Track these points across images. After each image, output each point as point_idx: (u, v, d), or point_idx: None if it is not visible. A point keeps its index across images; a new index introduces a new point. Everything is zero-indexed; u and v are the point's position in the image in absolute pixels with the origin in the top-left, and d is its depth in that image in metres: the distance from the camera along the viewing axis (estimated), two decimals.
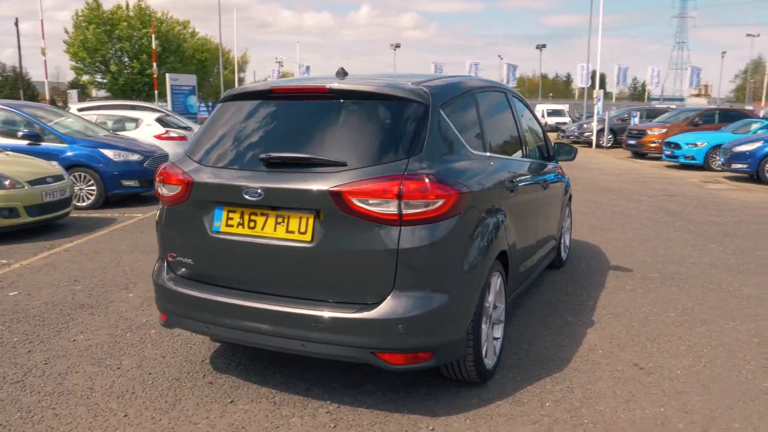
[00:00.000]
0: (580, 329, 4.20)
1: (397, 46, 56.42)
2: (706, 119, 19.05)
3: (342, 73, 3.34)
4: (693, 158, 15.78)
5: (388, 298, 2.78)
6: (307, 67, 50.54)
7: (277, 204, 2.89)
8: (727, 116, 19.21)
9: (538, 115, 44.82)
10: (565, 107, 47.67)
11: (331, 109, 3.06)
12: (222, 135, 3.25)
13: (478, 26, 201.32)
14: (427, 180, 2.76)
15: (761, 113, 22.80)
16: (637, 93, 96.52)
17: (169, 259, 3.28)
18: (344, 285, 2.84)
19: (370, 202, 2.74)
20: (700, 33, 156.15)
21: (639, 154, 20.31)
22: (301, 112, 3.11)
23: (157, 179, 3.28)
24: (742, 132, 15.92)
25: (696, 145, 15.82)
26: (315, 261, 2.84)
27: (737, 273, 5.69)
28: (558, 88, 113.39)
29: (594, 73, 31.61)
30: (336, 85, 3.08)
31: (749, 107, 36.90)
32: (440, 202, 2.77)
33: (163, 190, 3.24)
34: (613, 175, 14.46)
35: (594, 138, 24.76)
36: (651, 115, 24.26)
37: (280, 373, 3.45)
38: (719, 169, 14.98)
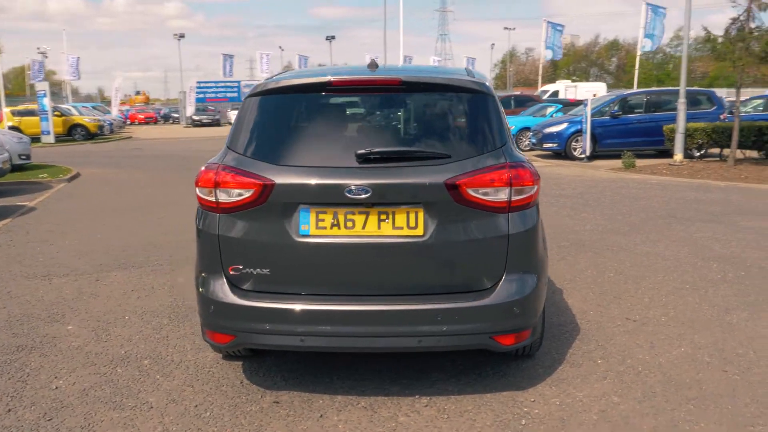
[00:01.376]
0: (558, 297, 4.68)
1: (182, 36, 53.32)
2: (503, 105, 21.42)
3: (374, 65, 3.31)
4: None
5: (502, 282, 2.89)
6: (77, 59, 44.73)
7: (384, 200, 2.80)
8: (519, 102, 21.91)
9: None
10: None
11: (406, 101, 3.03)
12: (286, 131, 3.03)
13: (247, 16, 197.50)
14: (528, 168, 2.92)
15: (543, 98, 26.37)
16: None
17: (231, 272, 2.96)
18: (457, 275, 2.89)
19: (482, 191, 2.82)
20: (463, 26, 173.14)
21: None
22: (372, 104, 3.04)
23: (206, 183, 2.93)
24: (540, 115, 18.34)
25: None
26: (427, 254, 2.83)
27: (624, 235, 6.73)
28: None
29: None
30: (407, 76, 3.06)
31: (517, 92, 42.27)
32: (536, 188, 2.95)
33: (222, 196, 2.91)
34: None
35: None
36: None
37: (338, 379, 3.33)
38: (528, 148, 17.11)
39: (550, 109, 18.52)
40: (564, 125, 15.10)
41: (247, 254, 2.92)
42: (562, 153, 15.10)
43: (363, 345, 2.93)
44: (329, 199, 2.83)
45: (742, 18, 11.22)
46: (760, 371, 3.37)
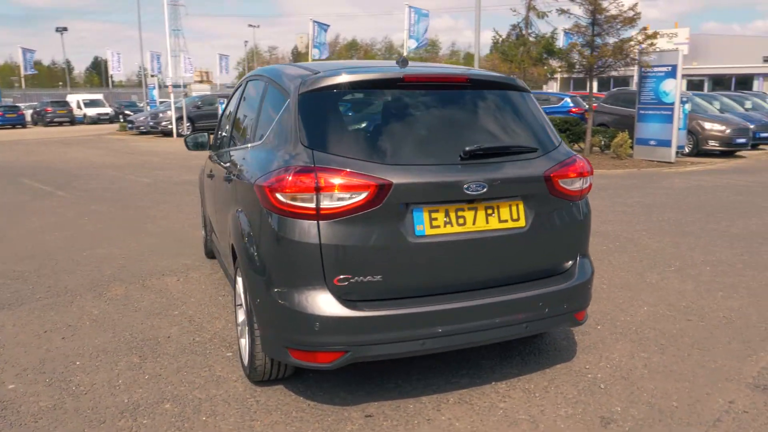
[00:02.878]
0: None
1: None
2: None
3: (404, 61, 3.33)
4: None
5: (578, 264, 3.17)
6: None
7: (492, 195, 2.84)
8: None
9: (73, 106, 40.75)
10: (100, 96, 45.11)
11: (473, 99, 3.10)
12: (372, 128, 2.88)
13: None
14: (586, 159, 3.23)
15: None
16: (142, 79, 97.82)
17: (337, 284, 2.72)
18: (549, 260, 3.08)
19: (568, 182, 3.05)
20: (199, 22, 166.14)
21: None
22: (443, 101, 3.04)
23: (301, 189, 2.65)
24: None
25: None
26: (527, 244, 2.97)
27: None
28: (57, 75, 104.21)
29: (97, 59, 30.92)
30: (472, 75, 3.13)
31: None
32: (591, 178, 3.28)
33: (325, 202, 2.65)
34: None
35: (174, 127, 24.71)
36: None
37: (403, 382, 3.28)
38: None
39: None
40: None
41: (357, 262, 2.72)
42: None
43: (479, 339, 2.95)
44: (444, 197, 2.79)
45: (521, 24, 13.13)
46: (708, 315, 4.23)
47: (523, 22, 13.21)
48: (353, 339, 2.72)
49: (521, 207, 2.95)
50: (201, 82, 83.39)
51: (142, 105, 40.30)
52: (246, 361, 3.28)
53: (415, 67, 3.23)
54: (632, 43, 12.79)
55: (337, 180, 2.65)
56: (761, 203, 8.72)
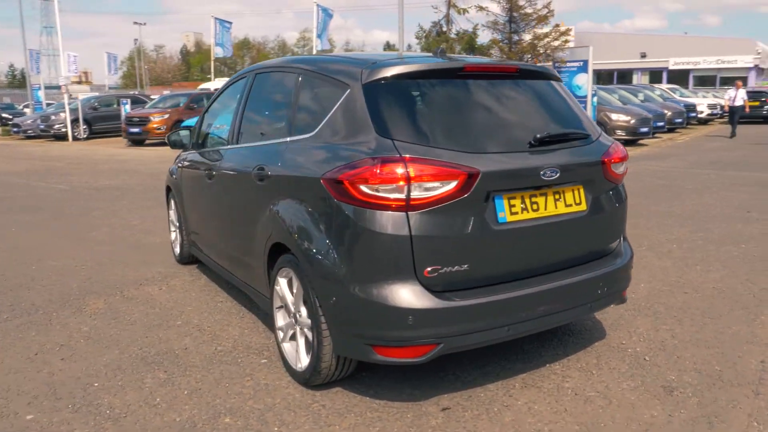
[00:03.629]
0: None
1: None
2: (197, 102, 20.66)
3: (443, 52, 3.33)
4: None
5: (621, 244, 3.30)
6: None
7: (563, 180, 2.89)
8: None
9: None
10: None
11: (525, 88, 3.13)
12: (443, 116, 2.82)
13: None
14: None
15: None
16: (17, 81, 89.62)
17: (427, 275, 2.64)
18: (603, 242, 3.18)
19: (617, 166, 3.16)
20: (77, 19, 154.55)
21: (138, 141, 20.32)
22: (502, 90, 3.05)
23: (391, 180, 2.56)
24: None
25: None
26: (588, 227, 3.04)
27: None
28: None
29: None
30: (519, 65, 3.16)
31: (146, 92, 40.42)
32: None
33: (416, 192, 2.58)
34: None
35: (69, 130, 22.93)
36: (135, 102, 24.19)
37: (458, 370, 3.26)
38: None
39: None
40: None
41: (445, 252, 2.66)
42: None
43: (555, 321, 2.99)
44: (522, 183, 2.80)
45: (441, 22, 13.43)
46: (700, 287, 4.55)
47: (444, 19, 13.53)
48: (445, 330, 2.66)
49: (582, 191, 3.02)
50: (79, 82, 77.70)
51: (21, 107, 37.05)
52: (300, 364, 3.12)
53: (464, 58, 3.21)
54: (547, 39, 13.44)
55: (428, 169, 2.58)
56: (685, 185, 9.50)
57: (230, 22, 27.53)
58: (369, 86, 2.84)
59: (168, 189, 5.69)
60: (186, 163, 4.95)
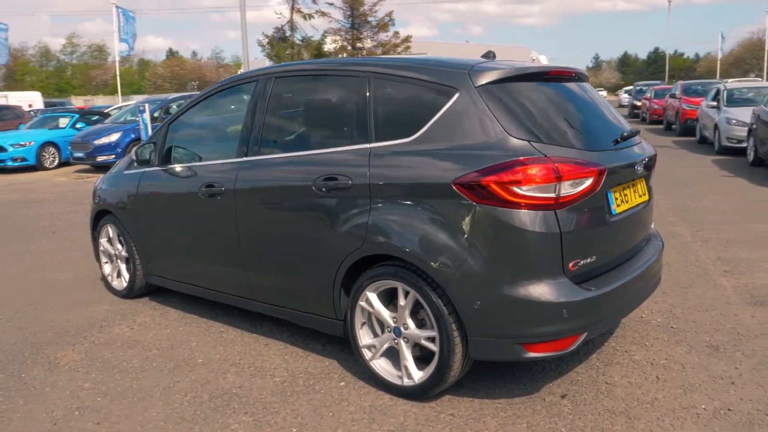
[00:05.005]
0: None
1: None
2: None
3: (493, 55, 3.50)
4: (24, 159, 14.94)
5: (653, 226, 3.74)
6: None
7: (640, 174, 3.20)
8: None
9: None
10: None
11: (583, 89, 3.40)
12: (549, 116, 2.96)
13: None
14: None
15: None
16: None
17: (572, 269, 2.76)
18: (650, 227, 3.56)
19: (655, 160, 3.58)
20: None
21: None
22: (574, 92, 3.27)
23: (545, 179, 2.64)
24: (53, 127, 16.20)
25: (23, 144, 15.00)
26: (647, 214, 3.40)
27: None
28: None
29: None
30: (575, 69, 3.42)
31: None
32: None
33: (565, 189, 2.68)
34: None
35: None
36: None
37: (538, 367, 3.43)
38: (52, 166, 15.19)
39: (66, 120, 16.53)
40: (118, 134, 14.04)
41: (582, 246, 2.81)
42: None
43: (641, 300, 3.28)
44: (624, 178, 3.06)
45: (285, 27, 13.26)
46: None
47: (288, 25, 13.41)
48: (589, 319, 2.81)
49: (644, 183, 3.38)
50: None
51: None
52: (409, 379, 3.02)
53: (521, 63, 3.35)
54: (389, 46, 14.09)
55: (572, 168, 2.71)
56: None
57: (133, 13, 23.24)
58: (482, 89, 2.87)
59: (99, 214, 4.92)
60: (149, 183, 4.35)
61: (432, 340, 2.94)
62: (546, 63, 54.31)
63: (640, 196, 3.30)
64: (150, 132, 13.60)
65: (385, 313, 3.09)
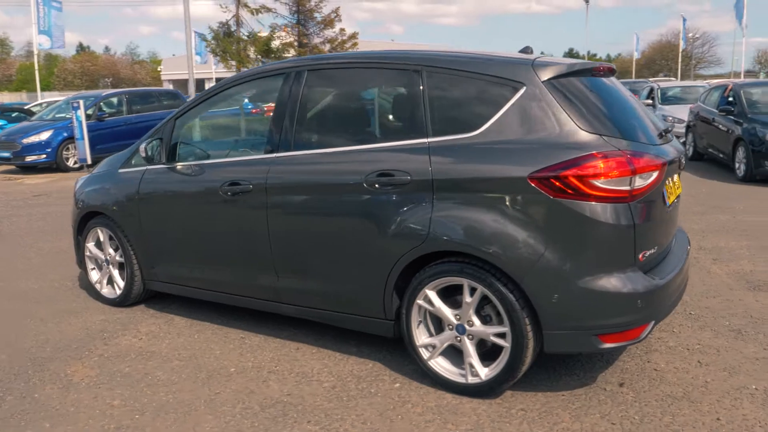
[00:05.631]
0: None
1: None
2: None
3: (530, 50, 3.53)
4: None
5: None
6: None
7: (678, 167, 3.29)
8: None
9: None
10: None
11: (618, 85, 3.46)
12: (612, 110, 3.00)
13: None
14: None
15: None
16: None
17: (641, 260, 2.81)
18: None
19: None
20: None
21: None
22: (614, 88, 3.33)
23: (622, 172, 2.67)
24: None
25: None
26: (679, 204, 3.52)
27: None
28: None
29: None
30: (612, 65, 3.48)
31: None
32: None
33: (637, 182, 2.72)
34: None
35: None
36: None
37: (583, 357, 3.48)
38: None
39: None
40: (50, 132, 13.09)
41: (649, 237, 2.87)
42: (54, 165, 13.15)
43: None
44: (673, 171, 3.15)
45: (230, 22, 12.83)
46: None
47: (234, 20, 12.98)
48: (657, 308, 2.87)
49: (679, 176, 3.48)
50: None
51: None
52: (474, 376, 3.00)
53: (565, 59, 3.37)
54: (337, 42, 13.94)
55: (643, 161, 2.75)
56: None
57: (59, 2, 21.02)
58: (548, 84, 2.87)
59: (86, 217, 4.55)
60: (154, 182, 4.06)
61: (500, 336, 2.91)
62: None
63: (678, 188, 3.41)
64: (85, 130, 12.81)
65: (447, 311, 3.03)
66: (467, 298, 2.96)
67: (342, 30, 14.16)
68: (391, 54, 3.35)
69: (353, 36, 13.99)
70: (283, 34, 13.44)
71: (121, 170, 4.36)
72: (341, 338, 3.75)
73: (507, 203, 2.81)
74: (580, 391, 3.08)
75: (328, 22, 13.83)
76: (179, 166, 3.95)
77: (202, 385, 3.28)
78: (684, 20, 26.60)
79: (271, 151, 3.53)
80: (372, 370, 3.36)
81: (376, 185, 3.10)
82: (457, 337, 3.03)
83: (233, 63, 12.79)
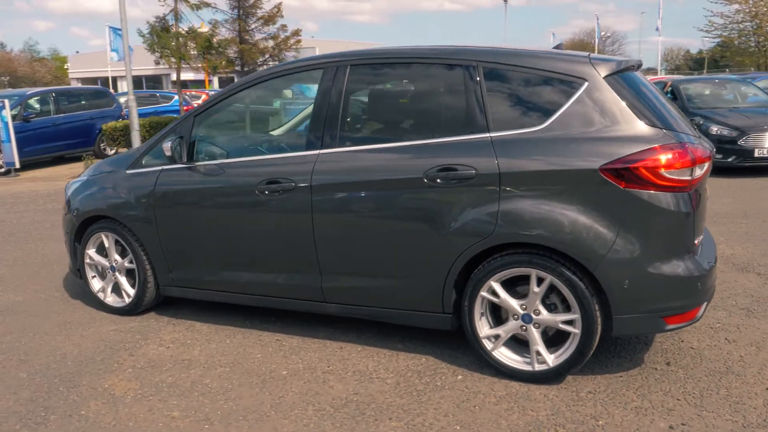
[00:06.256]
0: None
1: None
2: None
3: (562, 46, 3.69)
4: None
5: None
6: None
7: None
8: None
9: None
10: None
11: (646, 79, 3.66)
12: (658, 104, 3.14)
13: None
14: None
15: None
16: None
17: (696, 245, 3.01)
18: None
19: None
20: None
21: None
22: (649, 83, 3.52)
23: (685, 163, 2.84)
24: None
25: None
26: None
27: None
28: None
29: None
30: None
31: None
32: None
33: (696, 171, 2.91)
34: None
35: None
36: None
37: (622, 340, 3.66)
38: None
39: None
40: None
41: (699, 223, 3.06)
42: None
43: None
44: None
45: (168, 17, 12.29)
46: None
47: (172, 14, 12.44)
48: (710, 290, 3.08)
49: None
50: None
51: None
52: (541, 364, 3.10)
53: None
54: (280, 40, 13.72)
55: (699, 152, 2.93)
56: None
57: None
58: (609, 80, 3.00)
59: (86, 222, 4.28)
60: (174, 182, 3.88)
61: (569, 323, 3.02)
62: None
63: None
64: (12, 131, 11.93)
65: (513, 302, 3.11)
66: (535, 288, 3.05)
67: (283, 26, 13.93)
68: (444, 50, 3.38)
69: (297, 32, 13.76)
70: (219, 29, 13.04)
71: (129, 171, 4.13)
72: (382, 335, 3.75)
73: (578, 195, 2.92)
74: (634, 371, 3.24)
75: (269, 18, 13.53)
76: (204, 164, 3.80)
77: (260, 390, 3.18)
78: (597, 19, 28.03)
79: (314, 148, 3.47)
80: (428, 365, 3.39)
81: (438, 180, 3.13)
82: (522, 326, 3.12)
83: (173, 60, 12.28)
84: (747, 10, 24.82)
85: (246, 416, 2.95)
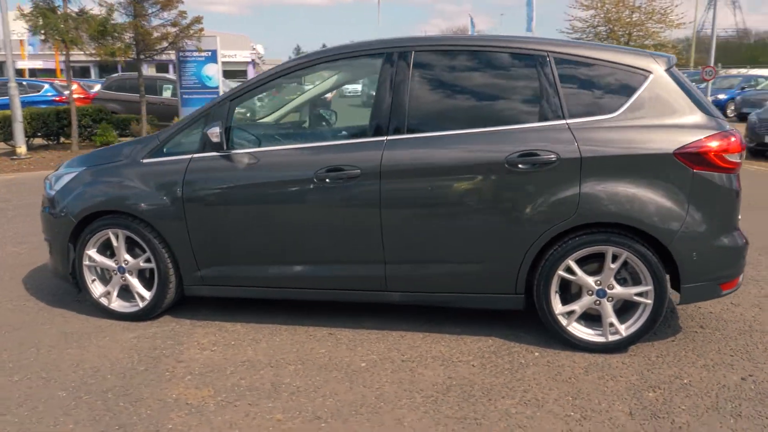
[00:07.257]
0: None
1: None
2: None
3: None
4: None
5: None
6: None
7: None
8: None
9: None
10: None
11: None
12: (700, 94, 3.48)
13: None
14: None
15: None
16: None
17: (738, 220, 3.38)
18: None
19: None
20: None
21: None
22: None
23: (737, 148, 3.19)
24: None
25: None
26: None
27: None
28: None
29: None
30: None
31: None
32: None
33: (742, 155, 3.28)
34: None
35: None
36: None
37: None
38: None
39: None
40: None
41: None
42: None
43: None
44: None
45: None
46: None
47: None
48: (745, 262, 3.47)
49: None
50: None
51: None
52: (614, 335, 3.33)
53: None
54: (178, 28, 12.93)
55: (739, 143, 3.30)
56: None
57: None
58: (669, 73, 3.29)
59: (84, 220, 3.82)
60: (208, 171, 3.59)
61: (641, 294, 3.28)
62: (263, 52, 54.66)
63: None
64: None
65: (588, 278, 3.30)
66: (611, 264, 3.27)
67: (182, 13, 13.03)
68: (513, 39, 3.48)
69: (198, 20, 12.95)
70: (117, 14, 11.92)
71: (146, 161, 3.75)
72: (436, 321, 3.79)
73: (653, 176, 3.18)
74: (680, 335, 3.59)
75: (166, 3, 12.60)
76: (247, 152, 3.56)
77: (351, 385, 3.09)
78: (471, 19, 29.46)
79: (380, 134, 3.41)
80: (500, 345, 3.48)
81: (519, 165, 3.23)
82: (596, 301, 3.33)
83: (63, 43, 10.93)
84: (602, 15, 27.51)
85: (357, 410, 2.85)
